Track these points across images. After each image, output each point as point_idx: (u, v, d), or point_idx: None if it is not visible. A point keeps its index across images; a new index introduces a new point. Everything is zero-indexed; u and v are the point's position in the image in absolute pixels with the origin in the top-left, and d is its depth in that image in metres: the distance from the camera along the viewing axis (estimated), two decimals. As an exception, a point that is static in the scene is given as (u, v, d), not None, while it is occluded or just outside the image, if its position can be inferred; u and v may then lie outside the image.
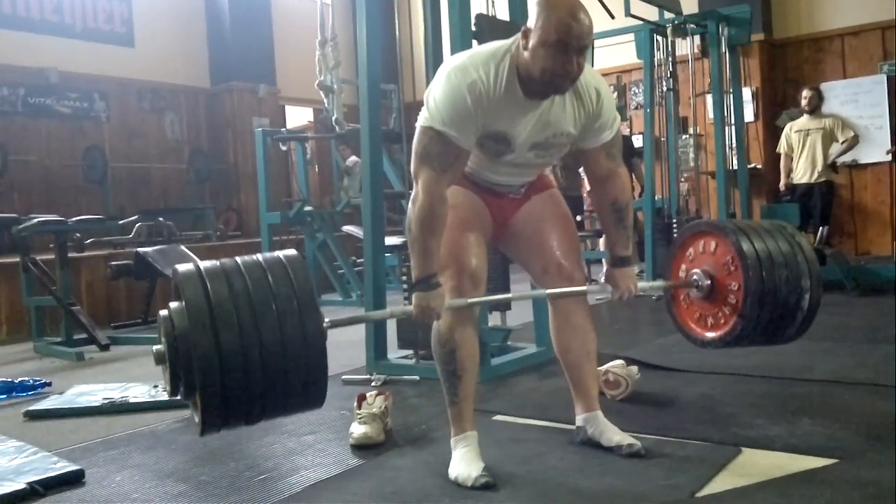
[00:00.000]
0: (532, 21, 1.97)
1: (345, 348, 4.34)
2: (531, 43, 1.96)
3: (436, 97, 2.03)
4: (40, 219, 5.04)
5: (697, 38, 6.48)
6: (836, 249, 6.21)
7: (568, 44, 1.93)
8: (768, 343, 2.45)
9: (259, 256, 1.87)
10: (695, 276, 2.45)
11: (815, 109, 7.03)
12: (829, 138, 6.99)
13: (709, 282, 2.42)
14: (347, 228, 7.28)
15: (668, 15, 6.17)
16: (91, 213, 6.23)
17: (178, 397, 1.83)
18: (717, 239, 2.41)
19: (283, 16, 9.74)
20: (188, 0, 9.18)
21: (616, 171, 2.27)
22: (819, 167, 6.95)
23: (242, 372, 1.69)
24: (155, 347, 1.82)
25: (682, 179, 6.77)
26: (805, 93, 7.05)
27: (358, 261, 6.86)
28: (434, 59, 3.69)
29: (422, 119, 2.05)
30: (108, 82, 8.35)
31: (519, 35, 2.02)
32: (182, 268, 1.80)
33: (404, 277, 3.73)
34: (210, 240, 7.48)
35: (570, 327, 2.34)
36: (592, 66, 2.09)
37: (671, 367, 3.40)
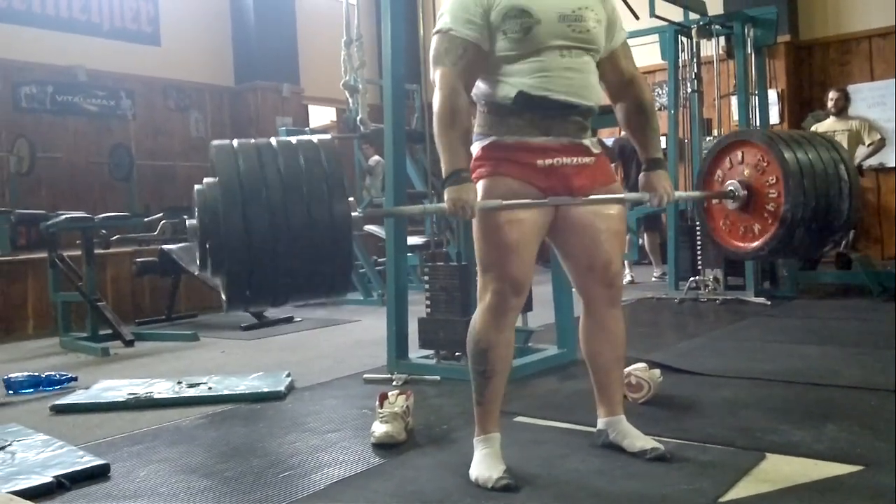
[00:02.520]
0: None
1: (366, 347, 4.37)
2: None
3: (447, 3, 2.13)
4: (68, 215, 5.11)
5: (722, 40, 6.42)
6: (863, 254, 6.14)
7: None
8: (804, 254, 2.50)
9: (293, 138, 1.90)
10: (731, 187, 2.47)
11: (841, 111, 6.94)
12: (855, 141, 6.90)
13: (745, 192, 2.44)
14: (369, 228, 7.30)
15: (693, 16, 6.13)
16: (116, 210, 6.31)
17: (207, 272, 1.90)
18: (752, 147, 2.43)
19: (308, 15, 9.79)
20: (214, 2, 9.25)
21: (636, 73, 2.30)
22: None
23: (270, 249, 1.72)
24: (188, 221, 1.87)
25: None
26: (831, 94, 6.96)
27: (379, 260, 6.88)
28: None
29: (436, 27, 2.13)
30: (135, 81, 8.44)
31: None
32: (217, 143, 1.85)
33: (426, 277, 3.73)
34: (233, 238, 7.53)
35: (602, 331, 2.31)
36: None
37: (694, 370, 3.38)
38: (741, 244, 2.53)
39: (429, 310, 3.65)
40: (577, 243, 2.25)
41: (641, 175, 2.31)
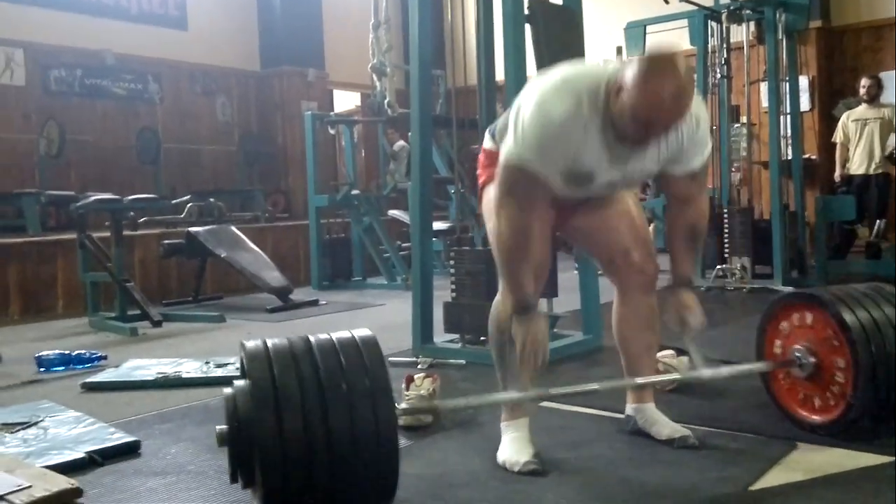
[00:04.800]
0: (627, 78, 1.77)
1: (391, 330, 4.37)
2: (620, 102, 1.79)
3: (524, 125, 1.89)
4: (97, 197, 5.16)
5: (753, 25, 6.33)
6: (893, 243, 6.05)
7: (656, 124, 1.80)
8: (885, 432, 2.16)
9: (333, 336, 1.77)
10: (797, 353, 2.24)
11: (873, 99, 6.83)
12: (887, 129, 6.79)
13: (813, 359, 2.21)
14: (393, 213, 7.32)
15: (723, 0, 6.04)
16: (145, 192, 6.37)
17: (238, 484, 1.76)
18: (821, 315, 2.19)
19: (333, 1, 9.77)
20: (240, -16, 9.26)
21: (699, 196, 2.14)
22: (877, 158, 6.75)
23: (306, 465, 1.60)
24: (218, 428, 1.75)
25: (734, 169, 6.65)
26: (864, 81, 6.85)
27: (403, 245, 6.89)
28: (485, 46, 3.68)
29: (507, 150, 1.95)
30: (162, 65, 8.48)
31: (615, 67, 1.88)
32: (250, 344, 1.74)
33: (451, 261, 3.73)
34: (259, 221, 7.58)
35: (634, 319, 2.29)
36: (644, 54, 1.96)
37: (721, 358, 3.34)
38: (801, 411, 2.29)
39: (454, 294, 3.65)
40: (592, 242, 2.28)
41: (668, 292, 2.18)
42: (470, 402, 2.18)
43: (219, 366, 3.50)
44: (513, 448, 2.13)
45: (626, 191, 2.26)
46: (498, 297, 2.20)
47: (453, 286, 3.66)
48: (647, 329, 2.30)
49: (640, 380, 2.26)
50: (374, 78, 4.26)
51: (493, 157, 2.14)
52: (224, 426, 1.73)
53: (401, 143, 8.30)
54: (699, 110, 1.97)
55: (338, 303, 5.83)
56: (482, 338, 3.58)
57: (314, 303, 5.75)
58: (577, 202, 2.20)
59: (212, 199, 6.90)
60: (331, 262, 6.84)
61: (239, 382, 1.77)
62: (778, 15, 5.91)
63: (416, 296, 3.76)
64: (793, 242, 5.86)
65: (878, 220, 6.02)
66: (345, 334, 1.79)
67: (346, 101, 10.80)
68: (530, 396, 2.15)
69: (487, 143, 2.23)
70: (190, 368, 3.47)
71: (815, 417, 2.23)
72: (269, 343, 1.75)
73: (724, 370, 2.27)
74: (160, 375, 3.36)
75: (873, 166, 6.77)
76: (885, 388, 2.06)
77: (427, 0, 3.67)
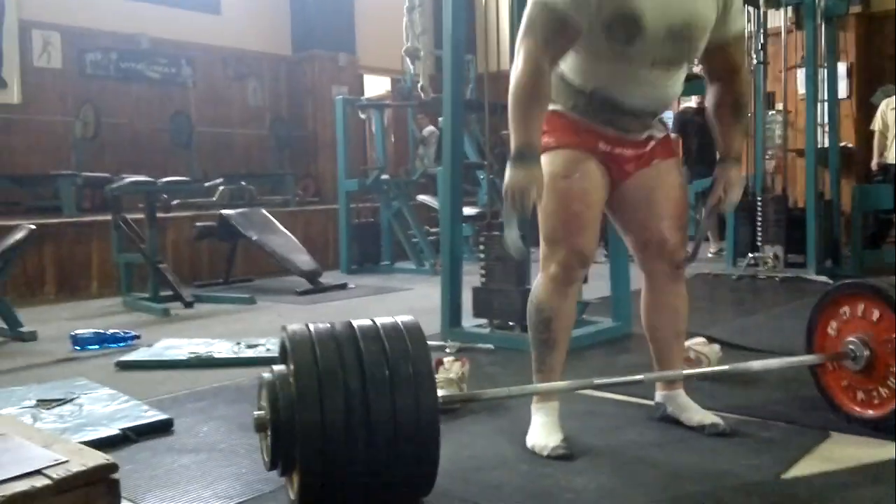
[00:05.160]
0: None
1: (419, 314, 4.35)
2: None
3: None
4: (131, 179, 5.23)
5: (790, 10, 6.21)
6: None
7: None
8: None
9: (377, 322, 1.74)
10: (850, 346, 2.17)
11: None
12: None
13: (867, 352, 2.13)
14: (422, 198, 7.31)
15: (761, -16, 5.93)
16: (177, 176, 6.43)
17: (276, 471, 1.74)
18: (880, 307, 2.12)
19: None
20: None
21: (743, 66, 2.19)
22: None
23: (347, 455, 1.58)
24: (256, 414, 1.73)
25: (768, 157, 6.55)
26: None
27: (432, 230, 6.90)
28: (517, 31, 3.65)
29: None
30: (195, 49, 8.54)
31: None
32: (294, 328, 1.70)
33: (481, 247, 3.73)
34: (289, 205, 7.63)
35: (662, 306, 2.27)
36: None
37: (753, 347, 3.32)
38: (851, 405, 2.22)
39: (483, 279, 3.65)
40: (631, 218, 2.23)
41: (718, 167, 2.20)
42: (512, 392, 2.18)
43: (250, 346, 3.54)
44: (542, 432, 2.13)
45: (681, 70, 2.12)
46: (538, 279, 2.20)
47: (483, 271, 3.66)
48: (676, 317, 2.28)
49: (686, 372, 2.26)
50: (408, 61, 4.24)
51: (554, 120, 2.12)
52: (261, 412, 1.71)
53: (430, 128, 8.29)
54: None
55: (366, 286, 5.85)
56: (510, 322, 3.59)
57: (343, 286, 5.78)
58: (635, 157, 2.15)
59: (243, 183, 6.94)
60: (359, 246, 6.87)
61: (279, 368, 1.74)
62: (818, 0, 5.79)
63: (445, 280, 3.76)
64: (827, 232, 5.77)
65: (916, 211, 5.88)
66: (388, 320, 1.76)
67: (376, 85, 10.80)
68: (573, 386, 2.15)
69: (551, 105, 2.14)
70: (221, 349, 3.52)
71: (866, 412, 2.17)
72: (312, 328, 1.71)
73: (774, 362, 2.24)
74: (192, 355, 3.41)
75: None
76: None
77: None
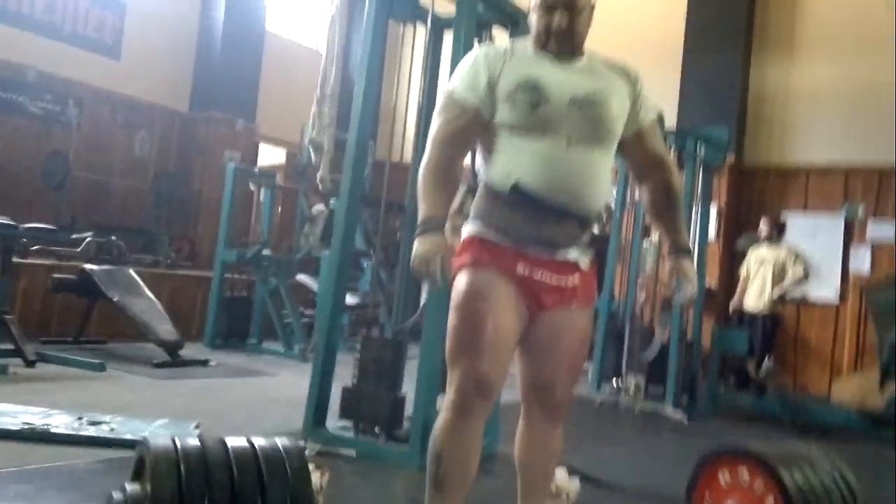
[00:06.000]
0: None
1: (281, 405, 4.21)
2: (531, 11, 2.10)
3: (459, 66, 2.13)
4: (-11, 219, 4.85)
5: (673, 153, 6.63)
6: (779, 384, 6.30)
7: (552, 3, 2.04)
8: None
9: (255, 444, 1.60)
10: None
11: (771, 239, 7.27)
12: (781, 270, 7.21)
13: None
14: (301, 278, 7.16)
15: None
16: (44, 218, 6.02)
17: None
18: (753, 468, 2.16)
19: (274, 55, 9.74)
20: (182, 22, 9.13)
21: (665, 156, 2.20)
22: (766, 298, 7.16)
23: None
24: None
25: (639, 285, 6.83)
26: (762, 222, 7.30)
27: (306, 312, 6.73)
28: (426, 125, 3.69)
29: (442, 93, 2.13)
30: (86, 90, 8.18)
31: None
32: (157, 443, 1.53)
33: (358, 345, 3.64)
34: (159, 266, 7.27)
35: (537, 446, 2.20)
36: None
37: (613, 484, 3.35)
38: None
39: (356, 380, 3.55)
40: (529, 355, 2.13)
41: (670, 261, 2.17)
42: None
43: (92, 423, 3.27)
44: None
45: (599, 155, 2.07)
46: (440, 417, 2.03)
47: (356, 371, 3.56)
48: (549, 459, 2.24)
49: None
50: (311, 151, 4.20)
51: (473, 243, 2.07)
52: None
53: (320, 206, 8.20)
54: (637, 72, 2.17)
55: (229, 366, 5.60)
56: (377, 429, 3.48)
57: (204, 362, 5.50)
58: (559, 289, 2.05)
59: (113, 237, 6.60)
60: (228, 319, 6.61)
61: (133, 487, 1.56)
62: (698, 148, 6.22)
63: (315, 374, 3.62)
64: (687, 369, 6.02)
65: (766, 359, 6.27)
66: (266, 443, 1.62)
67: (270, 154, 10.65)
68: None
69: (466, 227, 2.13)
70: (60, 422, 3.23)
71: None
72: (180, 446, 1.54)
73: None
74: (26, 426, 3.10)
75: (762, 305, 7.15)
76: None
77: (374, 77, 3.68)
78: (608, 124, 2.05)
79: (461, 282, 2.03)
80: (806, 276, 7.37)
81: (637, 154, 2.17)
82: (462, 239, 2.10)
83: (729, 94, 8.48)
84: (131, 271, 5.81)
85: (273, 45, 9.81)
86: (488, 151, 2.09)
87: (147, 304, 5.57)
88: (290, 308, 6.59)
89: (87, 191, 8.09)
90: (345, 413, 3.56)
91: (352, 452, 3.34)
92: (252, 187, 7.08)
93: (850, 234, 8.16)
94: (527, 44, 2.12)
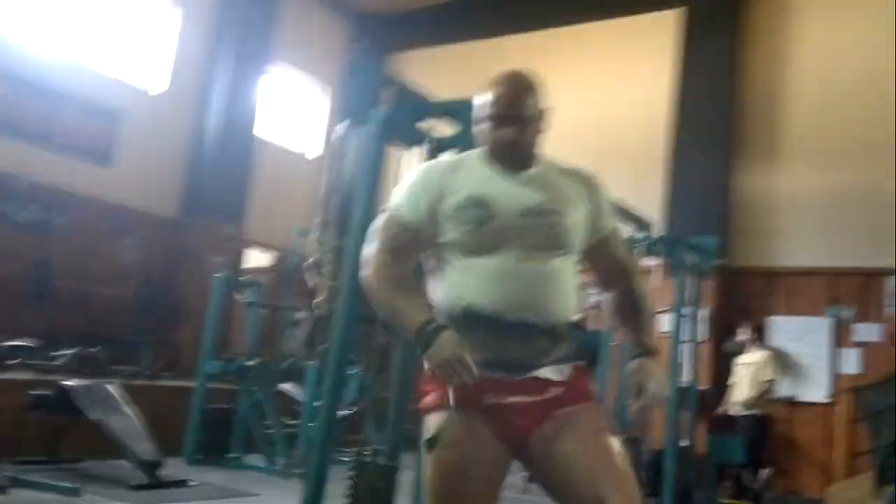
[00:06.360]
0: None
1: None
2: (477, 122, 2.03)
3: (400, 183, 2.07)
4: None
5: (663, 260, 6.65)
6: (777, 495, 6.14)
7: (498, 115, 1.96)
8: None
9: None
10: None
11: (753, 343, 7.38)
12: (759, 372, 7.30)
13: None
14: (284, 387, 6.95)
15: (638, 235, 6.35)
16: (26, 328, 5.85)
17: None
18: None
19: (265, 164, 9.86)
20: (176, 129, 9.21)
21: (628, 262, 2.14)
22: (744, 401, 7.18)
23: None
24: None
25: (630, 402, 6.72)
26: (741, 330, 7.45)
27: (290, 423, 6.53)
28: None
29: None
30: (74, 198, 8.11)
31: None
32: None
33: (350, 471, 3.47)
34: (140, 378, 7.06)
35: None
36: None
37: None
38: None
39: (348, 509, 3.38)
40: (558, 478, 1.87)
41: (634, 362, 2.02)
42: None
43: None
44: None
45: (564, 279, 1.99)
46: None
47: (347, 500, 3.39)
48: None
49: None
50: (310, 275, 4.13)
51: (428, 379, 1.96)
52: None
53: (304, 313, 8.11)
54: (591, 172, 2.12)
55: (209, 486, 5.37)
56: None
57: (183, 483, 5.27)
58: (532, 406, 1.89)
59: (92, 350, 6.43)
60: (209, 432, 6.38)
61: None
62: (687, 256, 6.24)
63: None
64: (681, 478, 5.85)
65: (760, 469, 6.16)
66: None
67: (259, 258, 10.61)
68: None
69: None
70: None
71: None
72: None
73: None
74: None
75: (741, 408, 7.16)
76: None
77: (372, 205, 3.65)
78: (565, 232, 1.97)
79: (427, 431, 1.93)
80: (773, 379, 7.41)
81: (601, 262, 2.11)
82: (425, 378, 1.98)
83: (715, 199, 8.63)
84: (109, 387, 5.61)
85: (265, 155, 9.95)
86: (438, 273, 2.00)
87: (126, 422, 5.35)
88: (273, 421, 6.38)
89: (70, 300, 7.94)
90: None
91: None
92: (238, 298, 6.98)
93: (839, 336, 8.17)
94: (477, 155, 2.04)
